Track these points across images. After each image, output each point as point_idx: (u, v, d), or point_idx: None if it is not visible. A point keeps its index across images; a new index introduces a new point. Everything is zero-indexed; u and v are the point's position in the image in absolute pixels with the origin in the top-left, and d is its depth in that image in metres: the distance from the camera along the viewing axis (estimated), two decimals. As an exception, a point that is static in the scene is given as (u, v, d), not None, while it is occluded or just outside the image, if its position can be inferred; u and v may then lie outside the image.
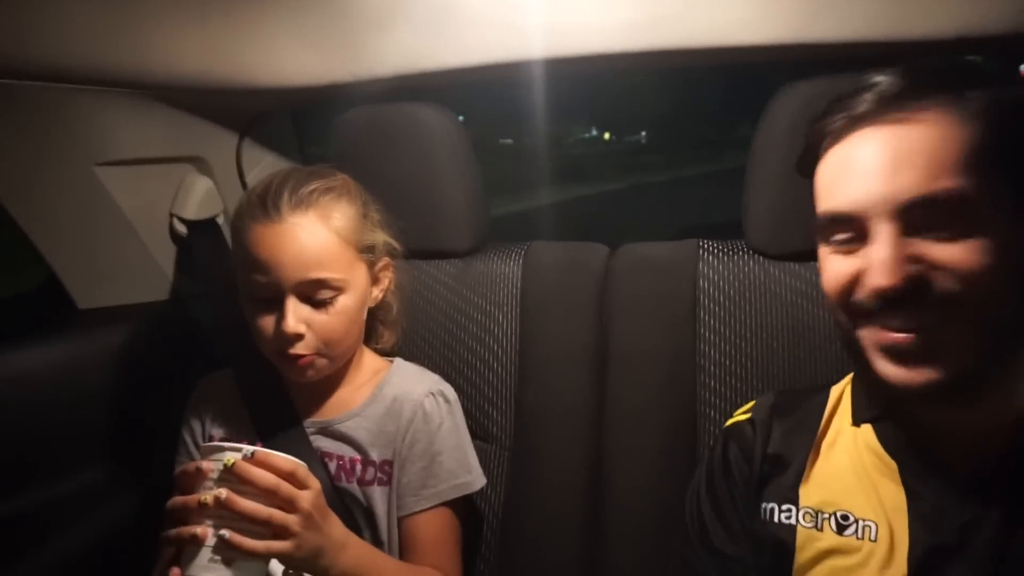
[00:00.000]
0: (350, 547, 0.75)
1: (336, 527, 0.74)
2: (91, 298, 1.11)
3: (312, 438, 0.88)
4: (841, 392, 0.72)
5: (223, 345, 0.96)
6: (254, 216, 0.82)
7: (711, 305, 0.92)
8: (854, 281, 0.59)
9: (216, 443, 0.69)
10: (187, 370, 0.97)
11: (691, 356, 0.91)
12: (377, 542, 0.85)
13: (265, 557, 0.68)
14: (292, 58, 1.01)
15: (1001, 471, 0.59)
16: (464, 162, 1.01)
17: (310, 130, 1.34)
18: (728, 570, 0.69)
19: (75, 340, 1.04)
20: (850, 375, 0.73)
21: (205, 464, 0.68)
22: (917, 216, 0.55)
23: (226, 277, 0.90)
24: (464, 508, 0.90)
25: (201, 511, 0.66)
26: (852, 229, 0.59)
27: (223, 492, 0.65)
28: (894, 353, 0.57)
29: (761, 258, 0.93)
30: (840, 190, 0.59)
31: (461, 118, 1.07)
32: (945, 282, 0.54)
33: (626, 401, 0.93)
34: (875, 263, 0.56)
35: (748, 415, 0.74)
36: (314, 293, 0.81)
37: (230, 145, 1.20)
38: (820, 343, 0.88)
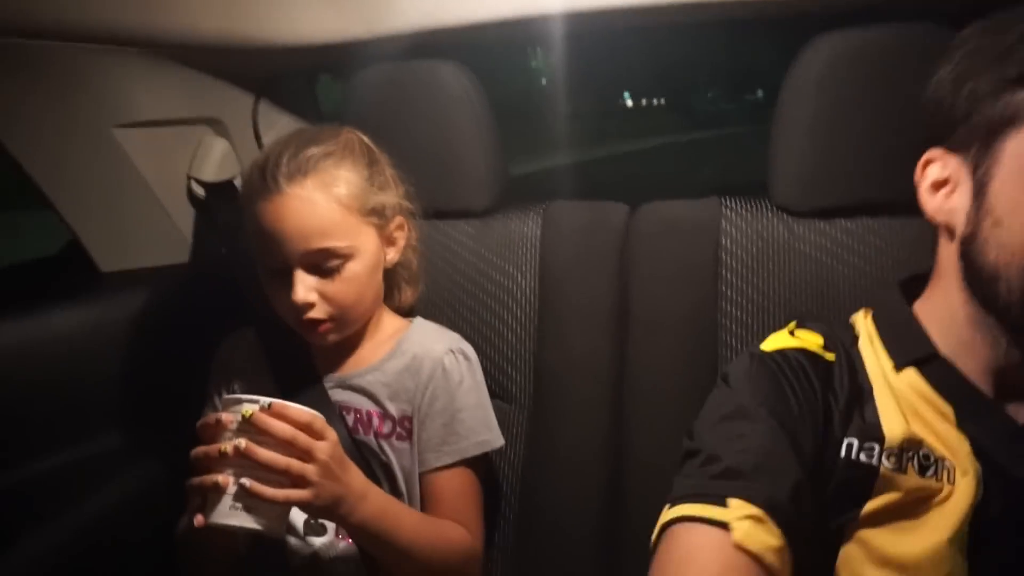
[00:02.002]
0: (370, 497, 0.76)
1: (356, 477, 0.75)
2: (113, 261, 1.12)
3: (331, 392, 0.89)
4: (865, 328, 0.70)
5: (244, 305, 0.97)
6: (255, 189, 0.82)
7: (734, 263, 0.90)
8: None
9: (236, 396, 0.70)
10: (209, 331, 0.98)
11: (713, 315, 0.90)
12: (396, 495, 0.86)
13: (284, 505, 0.69)
14: (309, 15, 1.00)
15: None
16: (481, 121, 1.00)
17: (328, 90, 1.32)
18: (797, 466, 0.59)
19: (98, 303, 1.05)
20: (863, 310, 0.71)
21: (224, 416, 0.69)
22: None
23: (244, 238, 0.90)
24: (484, 466, 0.90)
25: (222, 460, 0.67)
26: None
27: (242, 442, 0.67)
28: None
29: (786, 215, 0.91)
30: None
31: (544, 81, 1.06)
32: None
33: (647, 360, 0.92)
34: None
35: (829, 353, 0.67)
36: (321, 262, 0.81)
37: (247, 106, 1.19)
38: (844, 301, 0.86)
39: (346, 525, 0.77)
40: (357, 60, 1.04)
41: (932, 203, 0.64)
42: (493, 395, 0.93)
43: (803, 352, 0.68)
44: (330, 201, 0.81)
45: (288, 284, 0.81)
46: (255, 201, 0.81)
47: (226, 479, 0.67)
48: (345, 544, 0.85)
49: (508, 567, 0.94)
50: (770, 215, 0.91)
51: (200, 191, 1.15)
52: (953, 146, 0.62)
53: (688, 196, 0.97)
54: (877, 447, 0.61)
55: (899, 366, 0.65)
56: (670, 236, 0.94)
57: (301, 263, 0.81)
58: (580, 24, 0.99)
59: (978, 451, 0.60)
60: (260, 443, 0.67)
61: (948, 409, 0.62)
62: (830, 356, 0.68)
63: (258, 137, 1.21)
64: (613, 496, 0.91)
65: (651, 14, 0.95)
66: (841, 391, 0.65)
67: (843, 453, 0.62)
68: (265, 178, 0.81)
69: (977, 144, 0.60)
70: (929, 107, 0.64)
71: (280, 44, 1.02)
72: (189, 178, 1.15)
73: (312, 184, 0.80)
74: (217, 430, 0.69)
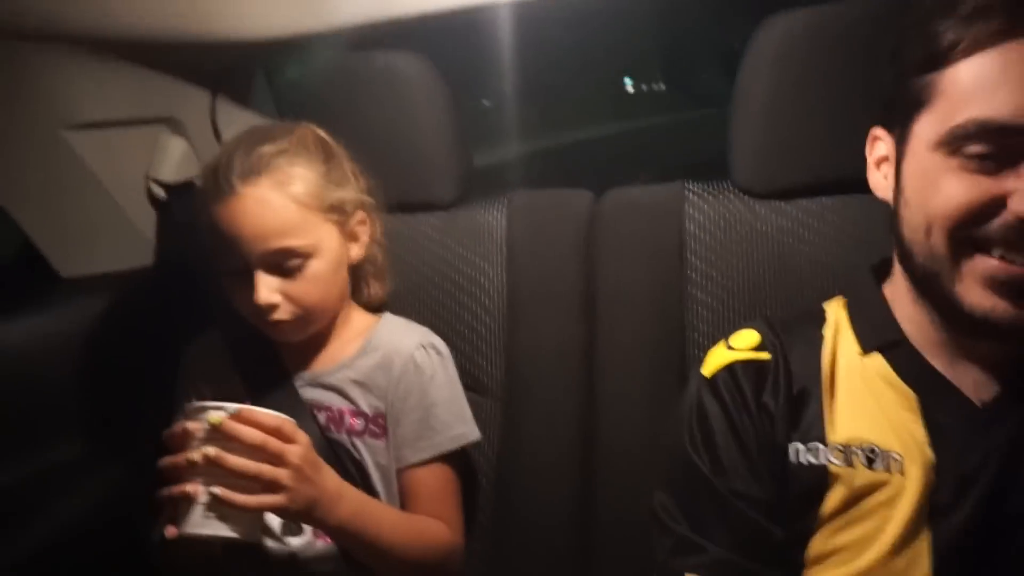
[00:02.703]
0: (346, 497, 0.76)
1: (330, 479, 0.75)
2: (73, 266, 1.09)
3: (301, 391, 0.88)
4: (835, 314, 0.70)
5: (208, 308, 0.95)
6: (210, 192, 0.81)
7: (698, 247, 0.91)
8: (989, 206, 0.53)
9: (201, 403, 0.69)
10: (173, 335, 0.97)
11: (680, 297, 0.91)
12: (371, 493, 0.86)
13: (257, 511, 0.69)
14: (261, 8, 0.98)
15: (1014, 398, 0.59)
16: (443, 111, 0.99)
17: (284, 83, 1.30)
18: (753, 502, 0.64)
19: (59, 309, 1.03)
20: (838, 297, 0.72)
21: (191, 424, 0.68)
22: None
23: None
24: (461, 460, 0.90)
25: (191, 469, 0.67)
26: (1007, 146, 0.53)
27: (211, 450, 0.66)
28: (1006, 287, 0.54)
29: (747, 197, 0.92)
30: (1009, 97, 0.52)
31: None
32: None
33: (616, 344, 0.93)
34: None
35: (764, 354, 0.67)
36: (281, 262, 0.80)
37: (203, 104, 1.17)
38: (807, 279, 0.88)
39: (323, 527, 0.77)
40: (313, 52, 1.02)
41: (873, 179, 0.67)
42: (466, 388, 0.93)
43: (736, 364, 0.68)
44: (286, 200, 0.80)
45: (249, 286, 0.80)
46: (210, 204, 0.80)
47: (196, 488, 0.66)
48: (323, 543, 0.85)
49: (485, 558, 0.94)
50: (732, 197, 0.92)
51: (160, 192, 1.13)
52: (889, 124, 0.63)
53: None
54: (821, 446, 0.62)
55: (865, 351, 0.65)
56: (635, 221, 0.95)
57: (261, 264, 0.80)
58: (531, 11, 0.98)
59: (936, 438, 0.60)
60: (229, 450, 0.67)
61: (912, 395, 0.62)
62: (764, 356, 0.68)
63: (217, 135, 1.19)
64: (586, 481, 0.92)
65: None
66: (778, 391, 0.65)
67: (791, 459, 0.63)
68: (218, 180, 0.80)
69: (899, 124, 0.61)
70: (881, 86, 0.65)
71: (233, 38, 1.00)
72: (148, 179, 1.12)
73: (267, 184, 0.79)
74: (184, 439, 0.68)
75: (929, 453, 0.60)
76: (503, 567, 0.93)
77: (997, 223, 0.53)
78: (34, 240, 1.06)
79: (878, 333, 0.65)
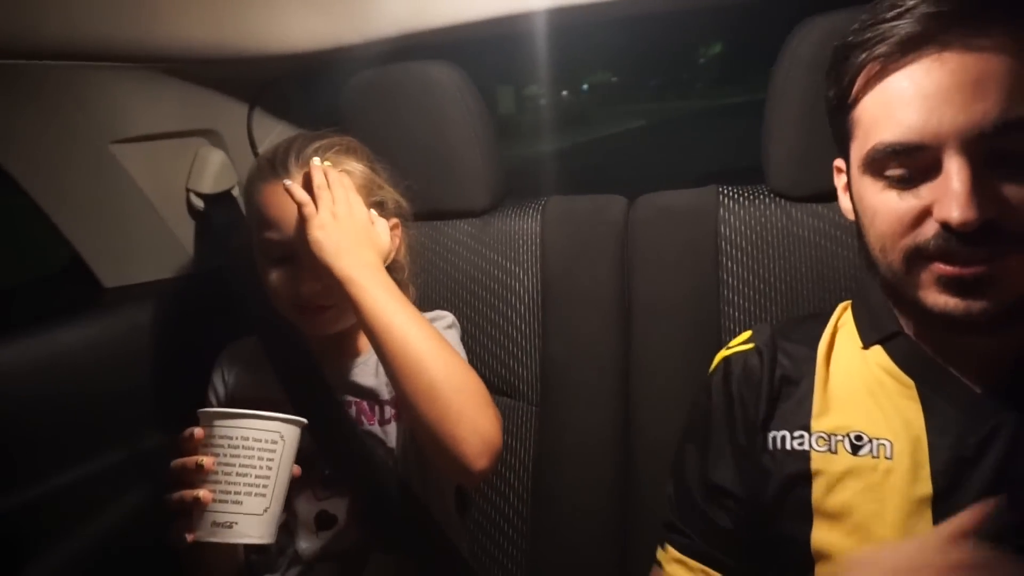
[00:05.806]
0: (381, 271, 0.77)
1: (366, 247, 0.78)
2: (116, 276, 1.12)
3: (333, 388, 0.89)
4: (839, 316, 0.72)
5: (245, 313, 0.97)
6: (263, 177, 0.83)
7: (733, 251, 0.91)
8: (918, 218, 0.56)
9: (211, 409, 0.68)
10: (212, 341, 0.99)
11: (715, 302, 0.90)
12: (396, 477, 0.86)
13: (269, 515, 0.69)
14: (299, 23, 1.00)
15: (1014, 385, 0.60)
16: (477, 119, 1.00)
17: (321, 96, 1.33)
18: (726, 507, 0.69)
19: (103, 318, 1.06)
20: (846, 302, 0.74)
21: (198, 430, 0.68)
22: (991, 147, 0.54)
23: (245, 247, 0.90)
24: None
25: (200, 473, 0.66)
26: (916, 162, 0.56)
27: (214, 456, 0.66)
28: (955, 286, 0.56)
29: (783, 201, 0.91)
30: (904, 118, 0.56)
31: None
32: (1017, 218, 0.53)
33: (651, 349, 0.93)
34: (950, 197, 0.53)
35: (750, 344, 0.73)
36: None
37: (241, 116, 1.19)
38: (845, 284, 0.87)
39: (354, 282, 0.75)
40: (349, 64, 1.04)
41: (843, 204, 0.69)
42: (501, 392, 0.94)
43: (727, 358, 0.74)
44: None
45: (292, 273, 0.81)
46: (261, 190, 0.83)
47: (207, 494, 0.66)
48: (355, 534, 0.86)
49: (523, 562, 0.94)
50: (767, 200, 0.92)
51: (199, 203, 1.15)
52: (843, 155, 0.66)
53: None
54: (806, 434, 0.66)
55: (866, 345, 0.67)
56: (669, 225, 0.95)
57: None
58: (564, 18, 0.99)
59: (934, 424, 0.61)
60: (235, 453, 0.67)
61: (910, 383, 0.64)
62: (749, 346, 0.73)
63: (253, 146, 1.22)
64: (625, 482, 0.92)
65: (635, 5, 0.95)
66: (762, 378, 0.70)
67: (774, 446, 0.67)
68: (274, 166, 0.83)
69: (844, 154, 0.65)
70: None
71: (272, 53, 1.03)
72: (187, 190, 1.15)
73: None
74: (193, 444, 0.68)
75: (924, 438, 0.61)
76: (541, 571, 0.93)
77: (930, 232, 0.56)
78: (80, 251, 1.09)
79: (878, 327, 0.67)
